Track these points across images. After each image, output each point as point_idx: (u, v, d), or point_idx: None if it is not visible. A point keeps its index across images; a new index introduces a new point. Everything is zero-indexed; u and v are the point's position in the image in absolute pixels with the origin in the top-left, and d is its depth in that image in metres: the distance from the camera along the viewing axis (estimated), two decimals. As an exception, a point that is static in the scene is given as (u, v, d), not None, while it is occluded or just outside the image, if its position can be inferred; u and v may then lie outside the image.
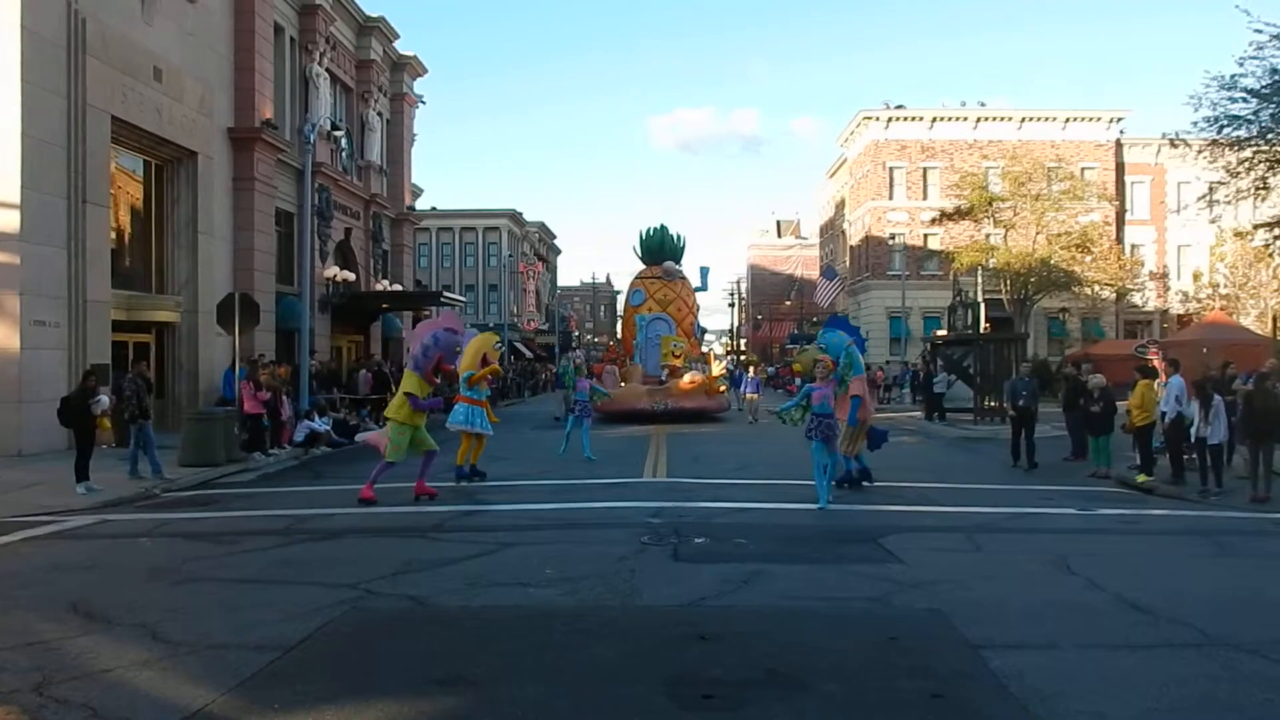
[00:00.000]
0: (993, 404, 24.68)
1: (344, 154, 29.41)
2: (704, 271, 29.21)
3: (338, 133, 25.44)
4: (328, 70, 27.99)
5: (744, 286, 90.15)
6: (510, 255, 63.91)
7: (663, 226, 29.02)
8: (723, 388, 26.37)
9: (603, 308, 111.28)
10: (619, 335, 32.36)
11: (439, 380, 11.90)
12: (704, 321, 33.61)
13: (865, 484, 12.21)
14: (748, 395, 26.48)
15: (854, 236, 55.12)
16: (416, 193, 45.89)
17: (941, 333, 33.15)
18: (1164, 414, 12.72)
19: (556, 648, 5.53)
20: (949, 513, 10.63)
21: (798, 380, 15.11)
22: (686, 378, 25.14)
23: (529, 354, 62.02)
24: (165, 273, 20.73)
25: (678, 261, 28.64)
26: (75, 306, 16.90)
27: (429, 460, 11.70)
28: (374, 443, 11.86)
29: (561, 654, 5.42)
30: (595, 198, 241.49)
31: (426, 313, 32.84)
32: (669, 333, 26.63)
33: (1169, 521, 10.50)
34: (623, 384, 25.39)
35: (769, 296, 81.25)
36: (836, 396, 10.83)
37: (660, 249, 28.90)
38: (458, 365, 12.33)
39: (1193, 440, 12.29)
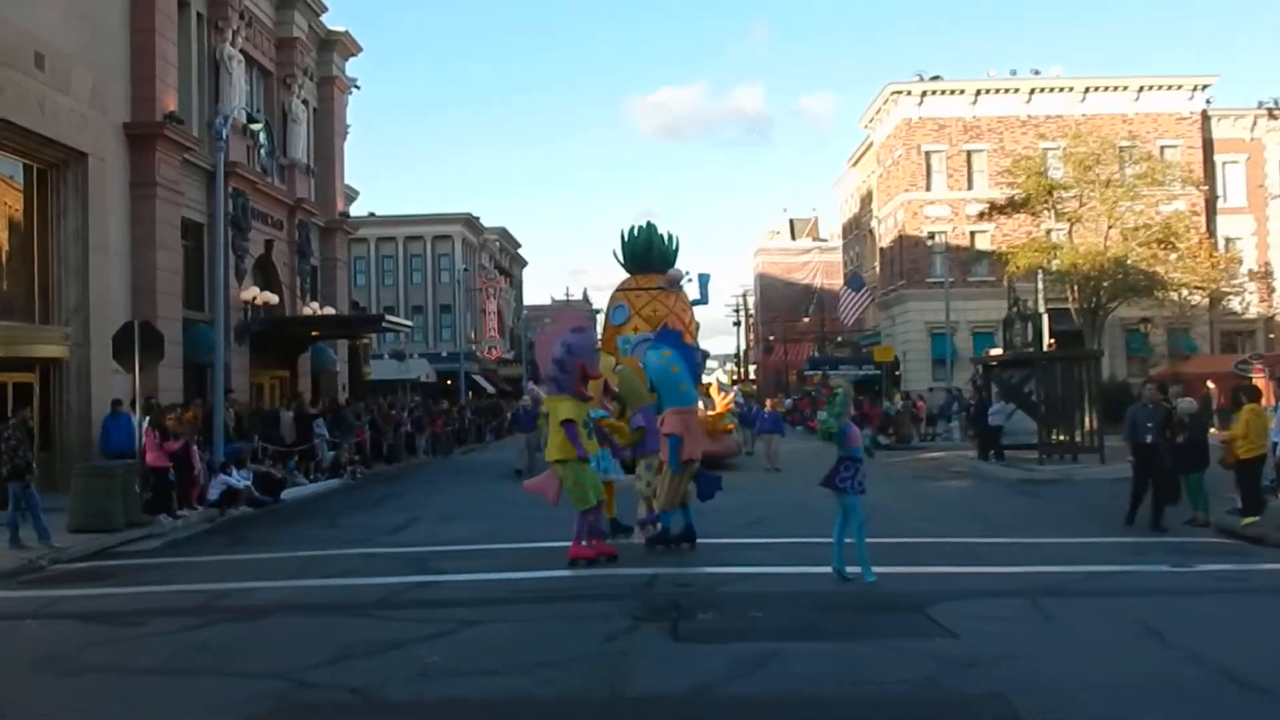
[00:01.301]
0: (1061, 438, 24.78)
1: (263, 151, 29.63)
2: (703, 281, 29.00)
3: (256, 126, 25.65)
4: (242, 52, 28.25)
5: (751, 300, 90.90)
6: (465, 269, 64.29)
7: (649, 225, 28.91)
8: (730, 426, 26.20)
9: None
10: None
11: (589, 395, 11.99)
12: (704, 344, 33.58)
13: (686, 545, 12.20)
14: (763, 436, 26.47)
15: (884, 236, 55.57)
16: (351, 196, 46.22)
17: (995, 352, 33.38)
18: (1276, 444, 12.77)
19: (531, 751, 5.53)
20: (1010, 574, 10.65)
21: (819, 415, 15.22)
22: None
23: (491, 389, 62.15)
24: (51, 299, 20.74)
25: (669, 268, 28.48)
26: (-63, 342, 16.89)
27: (598, 511, 11.73)
28: (541, 490, 11.99)
29: (537, 759, 5.44)
30: (566, 197, 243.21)
31: (404, 331, 32.78)
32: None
33: (1281, 577, 10.62)
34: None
35: (782, 312, 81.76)
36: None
37: (647, 253, 28.65)
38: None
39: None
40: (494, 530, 14.82)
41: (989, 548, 12.39)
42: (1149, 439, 14.00)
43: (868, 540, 10.16)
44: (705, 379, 31.43)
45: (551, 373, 11.83)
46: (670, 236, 29.27)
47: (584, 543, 11.45)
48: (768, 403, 30.16)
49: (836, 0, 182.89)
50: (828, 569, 10.37)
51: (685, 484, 12.26)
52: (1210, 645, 7.43)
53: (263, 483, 19.45)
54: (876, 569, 10.05)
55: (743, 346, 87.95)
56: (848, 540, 10.08)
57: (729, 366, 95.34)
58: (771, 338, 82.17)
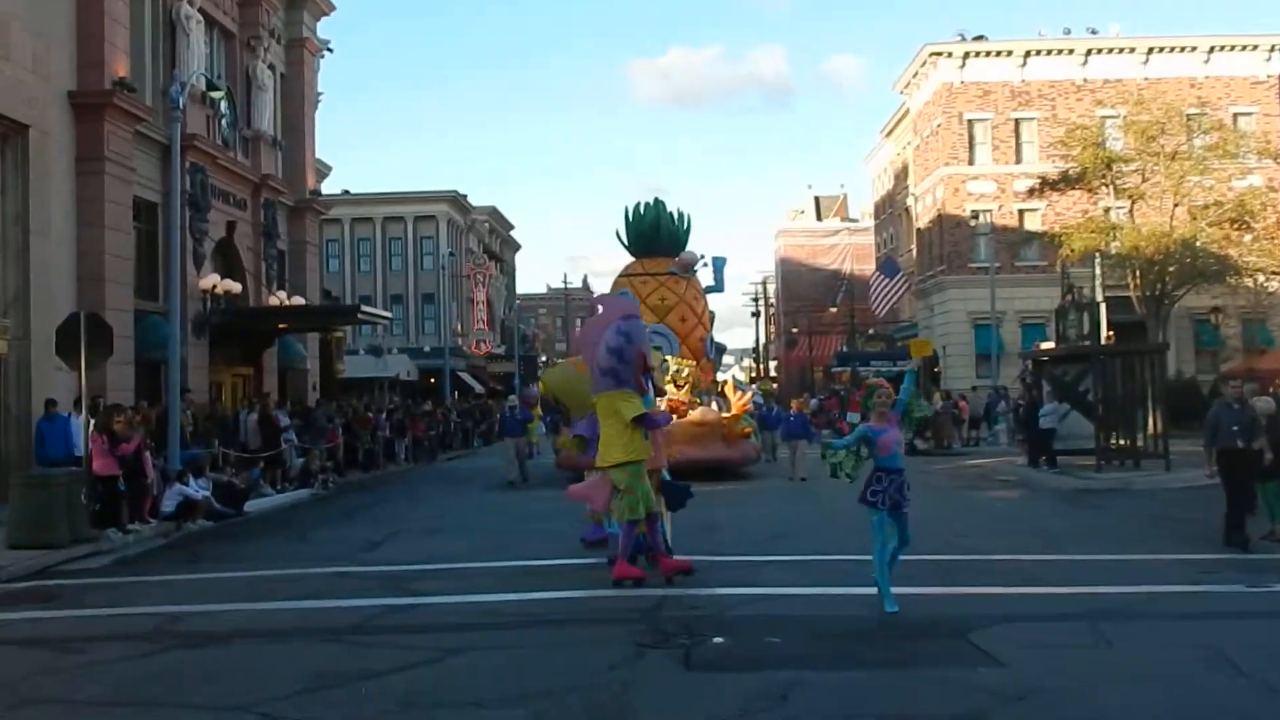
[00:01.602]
0: (1122, 442, 24.72)
1: (225, 122, 29.64)
2: (718, 265, 28.89)
3: (216, 94, 25.59)
4: (201, 10, 28.25)
5: (772, 288, 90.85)
6: (451, 253, 64.43)
7: (658, 202, 28.87)
8: (748, 429, 26.07)
9: (579, 321, 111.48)
10: None
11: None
12: (719, 336, 33.42)
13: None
14: (788, 441, 26.39)
15: (922, 216, 55.51)
16: (323, 172, 46.33)
17: (1047, 345, 33.23)
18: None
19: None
20: (1064, 595, 10.65)
21: (849, 417, 15.16)
22: (695, 415, 24.78)
23: (479, 388, 62.24)
24: (-16, 288, 20.76)
25: (680, 251, 28.26)
26: None
27: (652, 525, 11.68)
28: (588, 497, 11.94)
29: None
30: (564, 173, 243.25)
31: (382, 324, 32.73)
32: (670, 352, 26.34)
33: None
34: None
35: (807, 302, 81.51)
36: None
37: (655, 233, 28.51)
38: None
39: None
40: (483, 547, 14.81)
41: (1040, 566, 12.35)
42: (1239, 443, 13.64)
43: (901, 557, 10.07)
44: (721, 376, 31.38)
45: (608, 364, 11.67)
46: (681, 215, 29.20)
47: (631, 559, 11.41)
48: (793, 403, 30.01)
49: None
50: (855, 590, 10.33)
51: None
52: (1291, 675, 7.38)
53: (223, 493, 19.45)
54: (913, 589, 9.98)
55: (762, 340, 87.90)
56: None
57: (746, 362, 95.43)
58: (794, 330, 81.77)
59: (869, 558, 10.05)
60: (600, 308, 12.77)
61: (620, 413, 11.51)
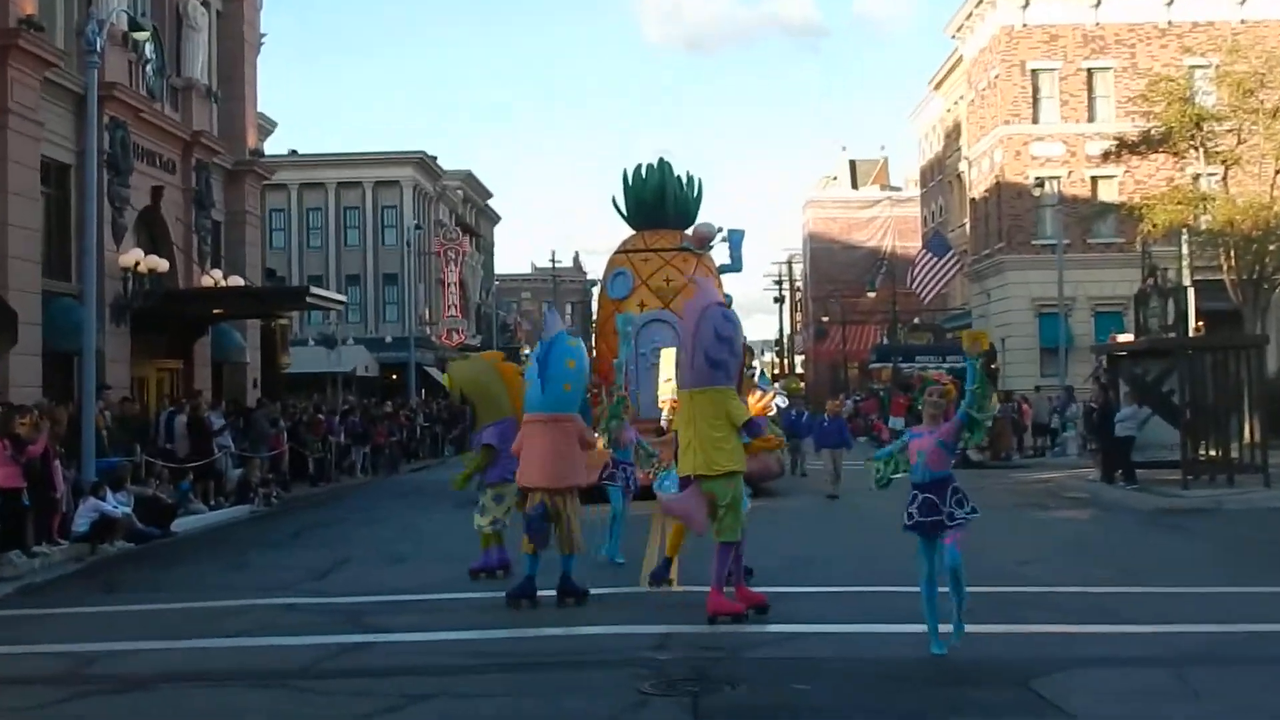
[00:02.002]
0: (1212, 453, 24.66)
1: (150, 68, 29.55)
2: (735, 241, 28.52)
3: (141, 35, 25.41)
4: (123, -67, 28.14)
5: (799, 269, 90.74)
6: (418, 226, 64.39)
7: (663, 164, 28.70)
8: (774, 439, 25.73)
9: (570, 306, 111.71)
10: (593, 350, 31.42)
11: None
12: None
13: (525, 602, 12.26)
14: (824, 451, 26.19)
15: (977, 184, 55.46)
16: (266, 129, 46.21)
17: (1124, 338, 33.13)
18: None
19: None
20: (1144, 634, 10.59)
21: (892, 422, 15.09)
22: None
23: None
24: None
25: (690, 223, 27.98)
26: None
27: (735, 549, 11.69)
28: (688, 516, 11.89)
29: None
30: (554, 134, 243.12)
31: (335, 309, 32.59)
32: (678, 347, 25.99)
33: None
34: (596, 433, 25.00)
35: (840, 286, 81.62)
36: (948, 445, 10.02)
37: (660, 201, 28.24)
38: None
39: None
40: (453, 575, 14.64)
41: (1116, 600, 12.26)
42: None
43: (942, 589, 9.88)
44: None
45: (719, 355, 11.57)
46: (691, 180, 28.99)
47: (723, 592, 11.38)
48: (828, 405, 29.86)
49: None
50: (900, 627, 10.30)
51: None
52: None
53: (147, 510, 19.36)
54: (967, 627, 9.86)
55: (786, 330, 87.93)
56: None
57: (768, 357, 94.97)
58: (825, 319, 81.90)
59: (919, 589, 9.98)
60: (700, 288, 12.87)
61: (731, 415, 11.48)
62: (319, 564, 16.14)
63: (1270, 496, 22.04)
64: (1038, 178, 49.46)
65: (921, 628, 9.89)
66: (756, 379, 25.90)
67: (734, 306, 31.48)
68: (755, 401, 23.81)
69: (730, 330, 11.73)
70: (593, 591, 12.62)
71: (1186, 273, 32.34)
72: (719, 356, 11.57)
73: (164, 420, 25.04)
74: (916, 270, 53.48)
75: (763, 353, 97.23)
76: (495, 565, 14.19)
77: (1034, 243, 49.11)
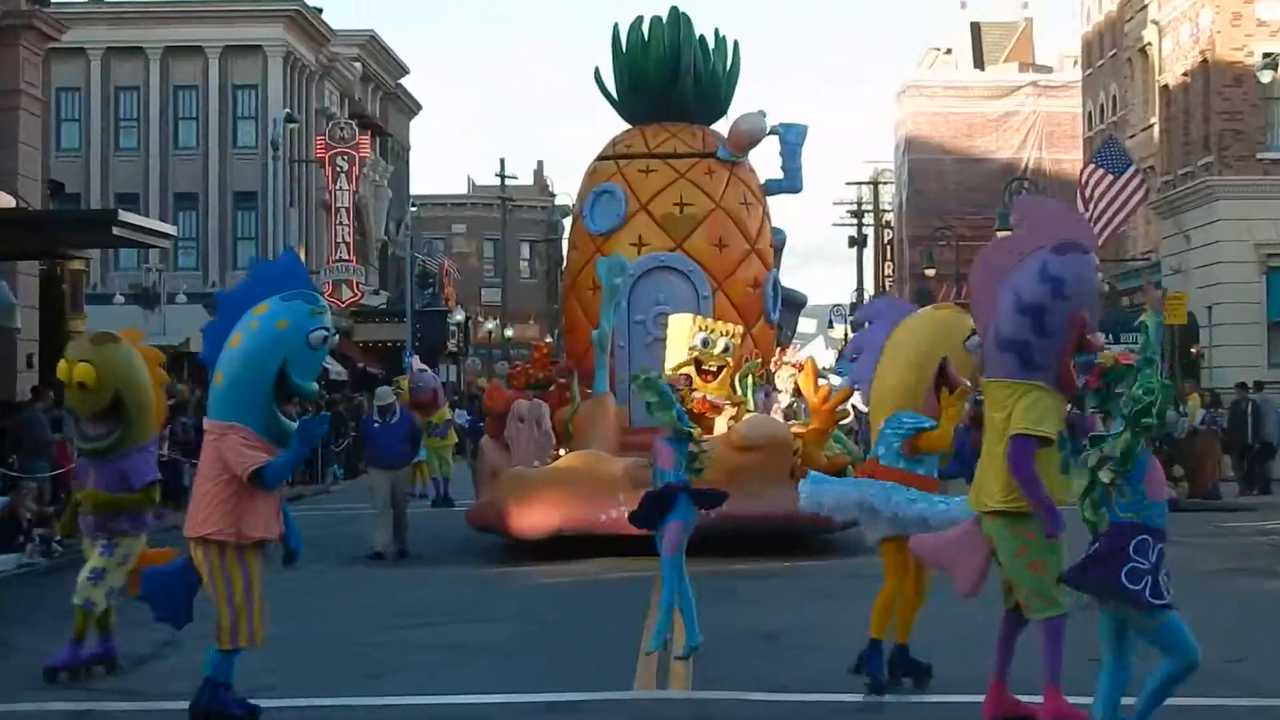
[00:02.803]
0: None
1: None
2: (792, 141, 23.23)
3: None
4: None
5: (889, 195, 77.78)
6: (291, 118, 52.76)
7: (676, 14, 22.90)
8: (843, 459, 19.56)
9: (528, 247, 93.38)
10: (562, 314, 26.98)
11: None
12: (792, 279, 28.82)
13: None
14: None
15: (1170, 63, 46.43)
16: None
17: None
18: None
19: None
20: None
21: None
22: (739, 428, 19.98)
23: (340, 370, 52.23)
24: None
25: (720, 114, 22.68)
26: None
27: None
28: (950, 564, 9.67)
29: None
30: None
31: (159, 247, 28.41)
32: (695, 310, 21.40)
33: None
34: (561, 449, 20.74)
35: (953, 216, 67.10)
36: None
37: (671, 75, 22.65)
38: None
39: None
40: (330, 664, 12.15)
41: None
42: None
43: (1126, 701, 8.03)
44: (792, 358, 24.18)
45: (1013, 331, 8.84)
46: (721, 43, 23.43)
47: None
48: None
49: None
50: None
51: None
52: None
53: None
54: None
55: (869, 287, 74.54)
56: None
57: (838, 330, 79.19)
58: (929, 271, 64.70)
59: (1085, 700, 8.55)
60: (1026, 220, 9.77)
61: (1042, 422, 8.81)
62: (132, 647, 12.85)
63: None
64: (1267, 53, 38.42)
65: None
66: (813, 365, 20.50)
67: (787, 250, 25.54)
68: (819, 398, 18.55)
69: (1042, 293, 8.77)
70: (555, 700, 10.38)
71: None
72: (1014, 333, 8.88)
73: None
74: (1088, 194, 40.81)
75: (830, 323, 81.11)
76: (78, 660, 11.47)
77: (1261, 156, 40.31)
